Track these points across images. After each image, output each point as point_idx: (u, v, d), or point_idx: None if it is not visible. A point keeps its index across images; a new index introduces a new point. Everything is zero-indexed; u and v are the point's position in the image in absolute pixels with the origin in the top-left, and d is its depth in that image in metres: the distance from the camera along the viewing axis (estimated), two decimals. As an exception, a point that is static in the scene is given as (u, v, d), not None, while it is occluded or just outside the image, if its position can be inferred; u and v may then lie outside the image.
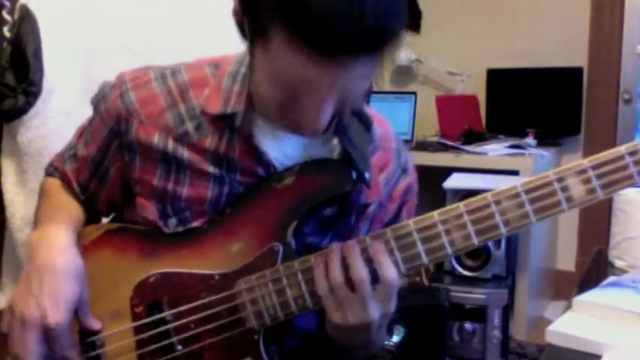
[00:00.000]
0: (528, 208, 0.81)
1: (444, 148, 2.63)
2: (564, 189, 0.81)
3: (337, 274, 0.81)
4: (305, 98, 0.76)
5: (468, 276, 2.28)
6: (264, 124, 0.90)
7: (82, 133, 1.02)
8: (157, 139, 0.90)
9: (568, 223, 2.91)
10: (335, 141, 0.94)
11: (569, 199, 0.81)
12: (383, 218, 1.00)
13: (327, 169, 0.91)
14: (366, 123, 0.96)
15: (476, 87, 2.96)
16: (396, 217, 1.02)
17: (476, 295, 2.22)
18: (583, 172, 0.81)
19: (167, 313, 0.89)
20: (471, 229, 0.82)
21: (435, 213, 0.83)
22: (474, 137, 2.69)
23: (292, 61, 0.72)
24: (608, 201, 1.22)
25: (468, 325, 2.23)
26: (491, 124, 2.94)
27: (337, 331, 0.85)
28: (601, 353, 0.87)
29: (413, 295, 2.15)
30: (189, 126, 0.90)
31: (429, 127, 2.96)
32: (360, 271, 0.80)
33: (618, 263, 1.26)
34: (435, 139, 2.79)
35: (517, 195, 0.81)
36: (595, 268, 1.30)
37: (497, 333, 2.21)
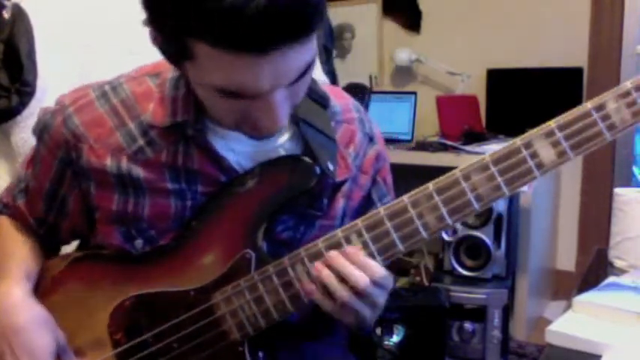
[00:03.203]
0: (499, 179, 0.78)
1: (444, 148, 2.62)
2: (533, 155, 0.78)
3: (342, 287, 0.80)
4: (256, 102, 0.73)
5: (468, 276, 2.28)
6: (214, 125, 0.87)
7: (30, 163, 0.96)
8: (109, 161, 0.86)
9: (568, 223, 2.91)
10: (290, 131, 0.90)
11: (539, 165, 0.78)
12: (359, 192, 0.97)
13: (288, 167, 0.87)
14: (322, 101, 0.93)
15: (476, 87, 2.96)
16: (373, 186, 0.99)
17: (476, 295, 2.22)
18: (550, 134, 0.78)
19: (147, 336, 0.87)
20: (443, 209, 0.80)
21: (405, 197, 0.81)
22: (474, 137, 2.69)
23: (226, 70, 0.69)
24: (608, 201, 1.22)
25: (467, 325, 2.23)
26: (491, 124, 2.93)
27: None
28: (601, 353, 0.87)
29: (413, 295, 2.15)
30: (142, 142, 0.86)
31: (429, 127, 2.96)
32: (362, 282, 0.79)
33: (618, 263, 1.26)
34: (435, 139, 2.79)
35: (486, 167, 0.79)
36: (595, 268, 1.30)
37: (497, 333, 2.21)
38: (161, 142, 0.86)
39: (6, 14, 1.27)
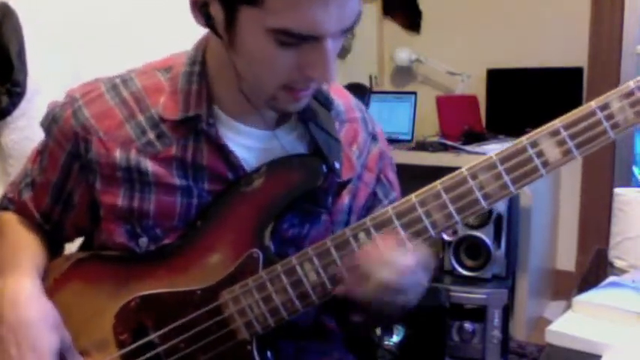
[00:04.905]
0: (506, 178, 0.80)
1: (444, 148, 2.62)
2: (539, 154, 0.79)
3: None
4: (311, 52, 0.75)
5: (468, 276, 2.28)
6: (226, 119, 0.88)
7: (37, 157, 0.96)
8: (118, 154, 0.86)
9: (568, 223, 2.91)
10: (300, 129, 0.92)
11: (545, 164, 0.79)
12: (365, 189, 0.98)
13: (295, 166, 0.87)
14: (326, 102, 0.94)
15: (476, 87, 2.96)
16: (377, 184, 1.00)
17: (476, 295, 2.22)
18: (556, 133, 0.79)
19: (153, 336, 0.87)
20: (451, 207, 0.81)
21: (412, 195, 0.82)
22: (474, 137, 2.69)
23: (298, 8, 0.70)
24: (608, 201, 1.22)
25: (468, 325, 2.23)
26: (491, 124, 2.93)
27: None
28: (601, 353, 0.87)
29: (413, 295, 2.15)
30: (152, 135, 0.86)
31: (429, 127, 2.95)
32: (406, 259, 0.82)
33: (618, 263, 1.26)
34: (435, 139, 2.79)
35: (493, 166, 0.80)
36: (595, 268, 1.30)
37: (497, 333, 2.21)
38: (171, 136, 0.87)
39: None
